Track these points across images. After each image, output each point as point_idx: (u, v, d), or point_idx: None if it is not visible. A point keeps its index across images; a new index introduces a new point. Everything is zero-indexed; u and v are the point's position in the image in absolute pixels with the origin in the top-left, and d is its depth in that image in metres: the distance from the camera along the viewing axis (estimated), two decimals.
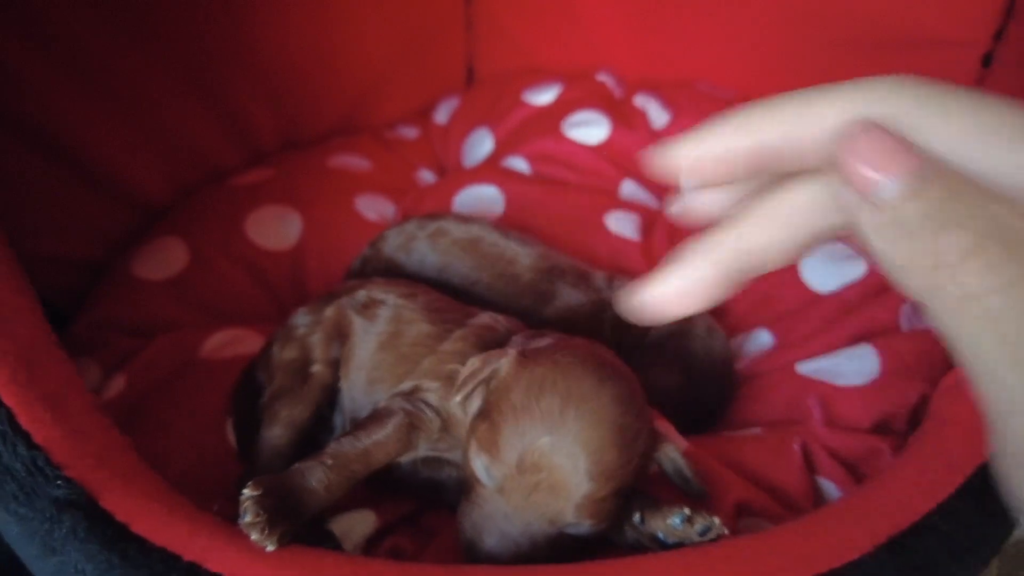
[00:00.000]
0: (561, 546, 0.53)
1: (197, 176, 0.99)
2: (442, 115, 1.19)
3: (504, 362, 0.54)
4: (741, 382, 0.78)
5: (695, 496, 0.58)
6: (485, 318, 0.65)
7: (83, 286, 0.87)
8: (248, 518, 0.50)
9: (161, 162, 0.95)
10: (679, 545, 0.53)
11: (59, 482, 0.49)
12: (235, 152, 1.03)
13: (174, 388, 0.75)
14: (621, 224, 0.91)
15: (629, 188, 1.00)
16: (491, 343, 0.62)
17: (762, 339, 0.81)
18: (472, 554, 0.54)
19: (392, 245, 0.82)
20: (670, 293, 0.35)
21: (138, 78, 0.90)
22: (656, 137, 1.03)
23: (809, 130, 0.33)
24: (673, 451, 0.56)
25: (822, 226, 0.34)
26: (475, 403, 0.56)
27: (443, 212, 0.90)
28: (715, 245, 0.35)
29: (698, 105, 1.06)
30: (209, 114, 0.99)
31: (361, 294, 0.70)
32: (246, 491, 0.51)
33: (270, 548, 0.50)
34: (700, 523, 0.52)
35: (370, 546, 0.62)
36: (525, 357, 0.54)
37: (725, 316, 0.84)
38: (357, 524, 0.62)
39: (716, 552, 0.50)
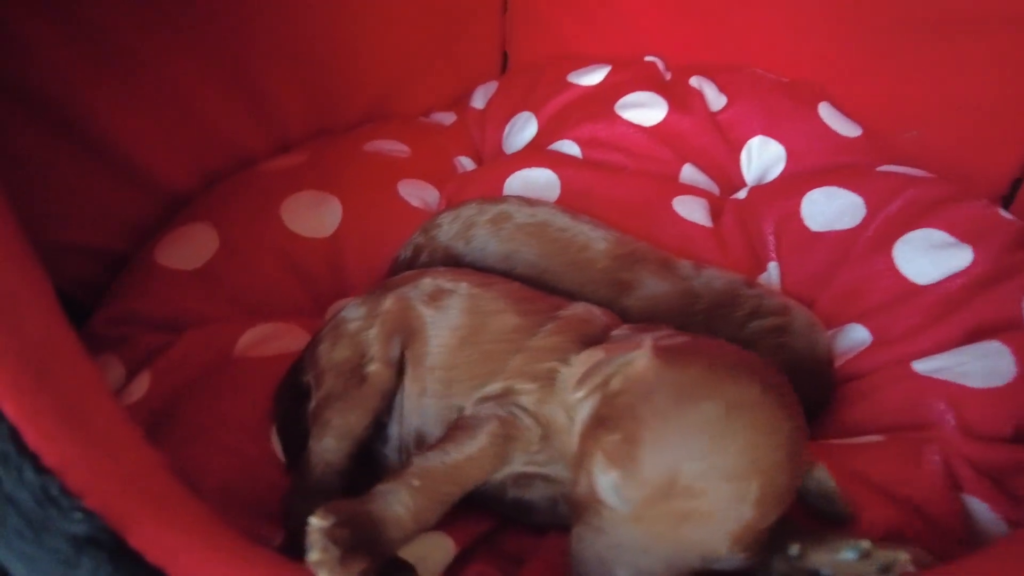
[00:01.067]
0: None
1: (224, 163, 0.87)
2: (479, 100, 1.06)
3: (638, 357, 0.42)
4: (840, 382, 0.66)
5: (840, 521, 0.45)
6: (579, 309, 0.52)
7: (105, 278, 0.75)
8: (316, 555, 0.38)
9: (186, 148, 0.83)
10: None
11: (77, 515, 0.36)
12: (263, 139, 0.91)
13: (207, 390, 0.62)
14: (690, 209, 0.78)
15: (689, 172, 0.87)
16: (591, 338, 0.49)
17: (856, 335, 0.69)
18: None
19: (448, 232, 0.69)
20: None
21: (164, 62, 0.79)
22: (715, 119, 0.90)
23: None
24: (822, 470, 0.44)
25: None
26: (586, 407, 0.43)
27: (501, 196, 0.76)
28: None
29: (755, 88, 0.93)
30: (237, 99, 0.87)
31: (426, 282, 0.57)
32: (313, 520, 0.39)
33: None
34: (881, 559, 0.40)
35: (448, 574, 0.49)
36: (667, 353, 0.41)
37: (811, 310, 0.71)
38: (433, 550, 0.49)
39: None
